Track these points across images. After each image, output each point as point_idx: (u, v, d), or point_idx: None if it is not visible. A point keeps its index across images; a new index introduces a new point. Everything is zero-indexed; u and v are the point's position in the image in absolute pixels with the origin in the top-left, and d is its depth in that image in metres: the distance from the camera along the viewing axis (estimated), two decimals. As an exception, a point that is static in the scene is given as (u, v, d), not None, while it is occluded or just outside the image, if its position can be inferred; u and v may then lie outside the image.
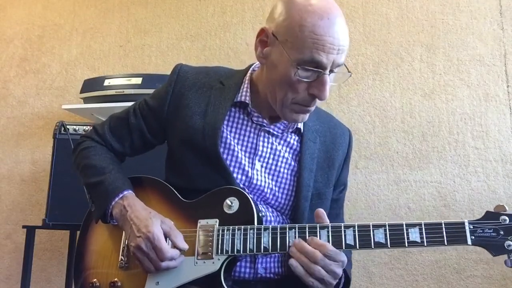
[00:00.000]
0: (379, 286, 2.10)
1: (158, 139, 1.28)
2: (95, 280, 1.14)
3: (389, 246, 0.99)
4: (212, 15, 2.59)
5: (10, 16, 2.91)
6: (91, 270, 1.17)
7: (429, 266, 2.07)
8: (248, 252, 1.03)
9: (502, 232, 0.95)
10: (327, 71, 1.04)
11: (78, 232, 1.27)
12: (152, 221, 1.05)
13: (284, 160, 1.19)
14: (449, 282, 2.03)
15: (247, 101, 1.18)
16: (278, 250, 1.03)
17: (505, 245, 0.95)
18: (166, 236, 1.06)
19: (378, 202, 2.17)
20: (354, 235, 1.00)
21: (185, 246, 1.06)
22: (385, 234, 0.99)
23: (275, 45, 1.08)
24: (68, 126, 2.06)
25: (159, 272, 1.06)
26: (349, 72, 1.11)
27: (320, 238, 1.01)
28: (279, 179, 1.18)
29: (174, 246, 1.06)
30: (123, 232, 1.15)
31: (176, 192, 1.18)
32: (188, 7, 2.64)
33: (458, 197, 2.09)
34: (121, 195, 1.12)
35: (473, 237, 0.96)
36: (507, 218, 0.96)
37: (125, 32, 2.70)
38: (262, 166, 1.17)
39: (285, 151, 1.20)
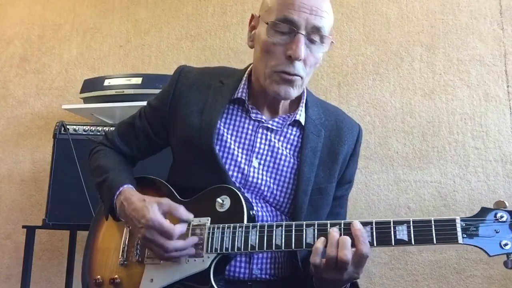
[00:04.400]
0: (379, 286, 2.10)
1: (163, 139, 1.29)
2: (99, 277, 1.17)
3: (375, 245, 0.95)
4: (212, 15, 2.59)
5: (10, 16, 2.91)
6: (96, 268, 1.20)
7: (429, 266, 2.07)
8: (236, 251, 1.03)
9: (498, 230, 0.89)
10: (301, 31, 1.07)
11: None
12: (148, 209, 1.05)
13: (283, 157, 1.18)
14: (449, 282, 2.03)
15: (243, 97, 1.19)
16: (265, 248, 1.02)
17: (501, 244, 0.88)
18: (168, 215, 1.06)
19: (378, 202, 2.17)
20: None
21: (189, 216, 1.07)
22: (372, 232, 0.96)
23: (259, 24, 1.15)
24: (68, 126, 2.06)
25: (154, 270, 1.08)
26: (326, 36, 1.10)
27: (306, 237, 1.00)
28: (278, 176, 1.17)
29: (179, 220, 1.06)
30: (124, 230, 1.18)
31: (173, 191, 1.19)
32: (188, 7, 2.64)
33: (458, 197, 2.09)
34: (121, 189, 1.14)
35: (465, 236, 0.90)
36: (505, 214, 0.89)
37: (125, 32, 2.70)
38: (260, 164, 1.17)
39: (285, 147, 1.19)
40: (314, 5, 1.07)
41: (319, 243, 0.97)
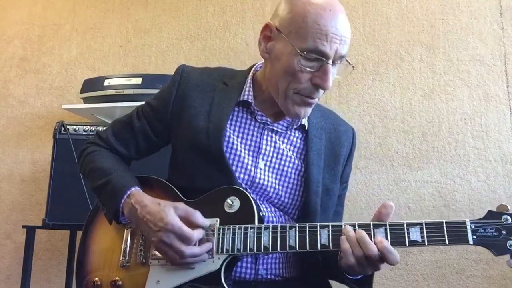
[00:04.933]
0: (379, 286, 2.10)
1: (163, 140, 1.28)
2: (96, 279, 1.14)
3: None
4: (212, 15, 2.59)
5: (10, 16, 2.91)
6: (93, 269, 1.17)
7: (429, 266, 2.07)
8: (248, 252, 1.03)
9: (504, 232, 0.94)
10: (330, 61, 1.06)
11: (79, 232, 1.27)
12: (166, 212, 1.03)
13: (288, 159, 1.19)
14: (449, 282, 2.03)
15: (250, 100, 1.19)
16: (279, 250, 1.02)
17: (507, 245, 0.94)
18: (184, 220, 1.04)
19: (378, 202, 2.17)
20: (354, 229, 0.99)
21: (205, 222, 1.05)
22: (386, 234, 0.98)
23: (279, 39, 1.11)
24: (68, 126, 2.07)
25: (160, 271, 1.07)
26: (350, 64, 1.13)
27: (320, 238, 1.00)
28: (283, 178, 1.18)
29: (196, 225, 1.04)
30: (125, 231, 1.16)
31: (178, 192, 1.18)
32: (188, 7, 2.64)
33: (458, 197, 2.09)
34: (128, 192, 1.12)
35: (475, 237, 0.95)
36: (509, 217, 0.95)
37: (125, 32, 2.70)
38: (266, 165, 1.17)
39: (289, 149, 1.20)
40: (344, 35, 1.07)
41: (345, 244, 0.98)
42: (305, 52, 1.05)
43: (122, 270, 1.12)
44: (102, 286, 1.13)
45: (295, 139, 1.22)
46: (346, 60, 1.11)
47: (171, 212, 1.04)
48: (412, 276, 2.08)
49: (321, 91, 1.10)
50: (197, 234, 1.03)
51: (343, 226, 1.00)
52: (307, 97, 1.11)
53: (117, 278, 1.11)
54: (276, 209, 1.18)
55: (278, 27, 1.11)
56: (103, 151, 1.26)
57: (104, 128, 1.36)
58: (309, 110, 1.15)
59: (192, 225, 1.04)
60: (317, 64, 1.07)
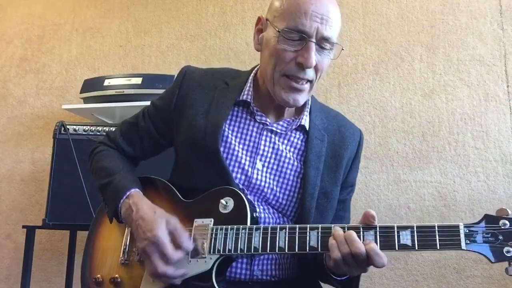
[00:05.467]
0: (379, 286, 2.10)
1: (167, 140, 1.29)
2: (99, 276, 1.16)
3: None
4: (212, 15, 2.59)
5: (10, 16, 2.91)
6: (96, 266, 1.20)
7: (429, 266, 2.07)
8: (239, 252, 1.03)
9: (501, 237, 0.89)
10: (312, 39, 1.08)
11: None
12: (157, 224, 1.04)
13: (287, 160, 1.18)
14: (449, 282, 2.03)
15: (249, 100, 1.19)
16: (268, 251, 1.01)
17: (504, 251, 0.88)
18: (171, 235, 1.04)
19: (378, 202, 2.17)
20: (344, 230, 0.97)
21: (189, 246, 1.05)
22: (375, 237, 0.96)
23: (267, 27, 1.15)
24: (68, 126, 2.06)
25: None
26: (339, 44, 1.13)
27: (309, 240, 0.99)
28: (281, 179, 1.17)
29: (179, 246, 1.04)
30: (125, 231, 1.17)
31: (176, 192, 1.18)
32: (188, 7, 2.64)
33: (458, 197, 2.09)
34: (128, 193, 1.13)
35: (468, 242, 0.90)
36: (507, 222, 0.89)
37: (125, 32, 2.70)
38: (263, 166, 1.17)
39: (288, 150, 1.19)
40: (325, 14, 1.08)
41: (332, 239, 0.97)
42: (285, 30, 1.07)
43: (121, 268, 1.14)
44: (103, 282, 1.15)
45: (295, 140, 1.21)
46: (336, 43, 1.12)
47: (162, 226, 1.04)
48: (412, 276, 2.08)
49: (308, 72, 1.10)
50: (177, 256, 1.02)
51: (332, 228, 0.99)
52: (293, 81, 1.11)
53: (116, 275, 1.13)
54: (275, 211, 1.17)
55: (267, 17, 1.15)
56: (110, 151, 1.29)
57: (112, 128, 1.37)
58: (299, 98, 1.14)
59: (177, 244, 1.04)
60: (300, 43, 1.08)
